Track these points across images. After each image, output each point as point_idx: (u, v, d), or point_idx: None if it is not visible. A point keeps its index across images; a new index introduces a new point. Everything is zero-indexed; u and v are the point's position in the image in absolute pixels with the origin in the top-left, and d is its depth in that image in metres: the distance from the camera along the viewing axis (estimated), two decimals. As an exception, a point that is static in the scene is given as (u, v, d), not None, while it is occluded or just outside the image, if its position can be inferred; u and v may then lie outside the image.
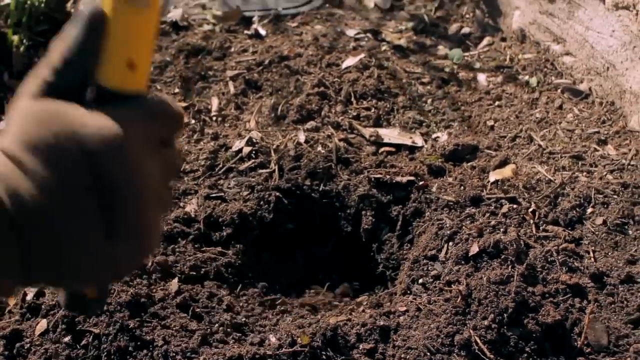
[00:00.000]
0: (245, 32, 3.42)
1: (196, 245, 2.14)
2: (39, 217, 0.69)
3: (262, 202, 2.30)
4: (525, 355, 1.77)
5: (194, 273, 2.03)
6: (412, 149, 2.57)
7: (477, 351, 1.75)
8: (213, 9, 3.63)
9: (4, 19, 3.29)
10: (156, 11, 0.86)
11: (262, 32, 3.42)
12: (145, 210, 0.74)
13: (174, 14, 3.56)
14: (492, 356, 1.74)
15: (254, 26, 3.45)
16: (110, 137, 0.71)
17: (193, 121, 2.71)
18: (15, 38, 3.25)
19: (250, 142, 2.48)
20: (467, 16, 3.57)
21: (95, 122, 0.72)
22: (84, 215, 0.70)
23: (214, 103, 2.83)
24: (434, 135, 2.65)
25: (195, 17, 3.55)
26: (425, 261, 2.06)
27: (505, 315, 1.82)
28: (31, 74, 0.77)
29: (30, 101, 0.75)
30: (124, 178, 0.71)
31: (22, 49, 3.25)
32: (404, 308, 1.93)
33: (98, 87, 0.78)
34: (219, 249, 2.16)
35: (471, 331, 1.79)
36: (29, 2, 3.28)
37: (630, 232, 2.06)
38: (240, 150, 2.46)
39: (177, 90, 2.94)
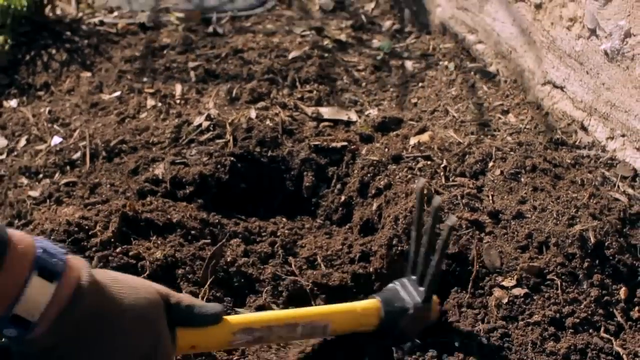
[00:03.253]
0: (205, 31, 3.70)
1: (165, 200, 2.42)
2: None
3: (219, 166, 2.58)
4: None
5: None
6: (348, 123, 2.87)
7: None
8: (176, 12, 3.90)
9: (-11, 21, 3.54)
10: None
11: (220, 30, 3.70)
12: None
13: (141, 17, 3.83)
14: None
15: (213, 26, 3.74)
16: None
17: (160, 104, 2.98)
18: (1, 38, 3.50)
19: (208, 117, 2.76)
20: (399, 14, 3.89)
21: None
22: None
23: (178, 89, 3.11)
24: (366, 112, 2.95)
25: (160, 19, 3.82)
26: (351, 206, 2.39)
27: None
28: None
29: None
30: None
31: (6, 48, 3.51)
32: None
33: None
34: (184, 203, 2.44)
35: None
36: (12, 7, 3.54)
37: (522, 179, 2.36)
38: (200, 125, 2.74)
39: (145, 79, 3.21)
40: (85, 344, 1.35)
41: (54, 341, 1.31)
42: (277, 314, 1.83)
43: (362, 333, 1.91)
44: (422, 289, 1.91)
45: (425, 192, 1.97)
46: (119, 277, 1.46)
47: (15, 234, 1.27)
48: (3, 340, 1.42)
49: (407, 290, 1.93)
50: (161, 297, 1.53)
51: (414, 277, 1.94)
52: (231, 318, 1.71)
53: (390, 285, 1.98)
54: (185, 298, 1.63)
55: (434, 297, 1.97)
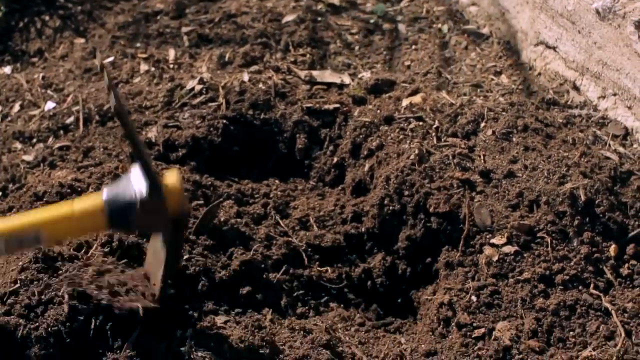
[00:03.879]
0: (198, -4, 3.67)
1: (157, 163, 2.41)
2: None
3: (211, 129, 2.57)
4: (424, 229, 2.11)
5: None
6: (341, 86, 2.85)
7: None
8: (169, -23, 3.86)
9: (-17, -11, 3.52)
10: None
11: (213, -4, 3.67)
12: None
13: (135, -17, 3.80)
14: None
15: (206, -9, 3.71)
16: None
17: (153, 69, 2.96)
18: (-6, 6, 3.48)
19: (201, 81, 2.75)
20: (393, -22, 3.86)
21: None
22: None
23: (171, 54, 3.09)
24: (359, 75, 2.94)
25: (154, -15, 3.79)
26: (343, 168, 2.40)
27: (407, 205, 2.15)
28: None
29: None
30: None
31: (0, 15, 3.48)
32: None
33: None
34: (177, 166, 2.43)
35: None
36: (5, -26, 3.51)
37: (514, 139, 2.35)
38: (193, 89, 2.72)
39: (138, 45, 3.18)
40: None
41: None
42: None
43: None
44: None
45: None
46: None
47: None
48: None
49: (135, 182, 1.63)
50: None
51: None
52: None
53: (122, 177, 1.70)
54: None
55: (173, 187, 1.66)
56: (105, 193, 1.64)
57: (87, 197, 1.67)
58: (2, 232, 1.60)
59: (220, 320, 1.86)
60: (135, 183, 1.62)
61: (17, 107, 2.89)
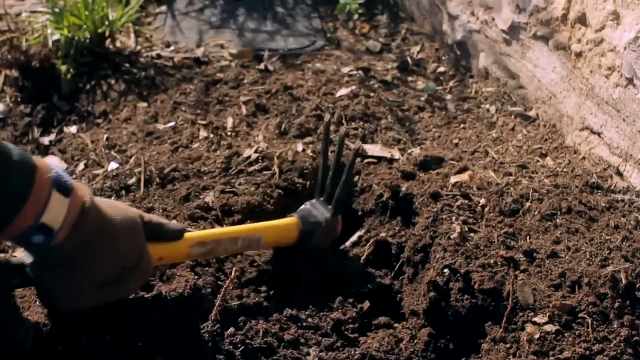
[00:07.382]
0: (256, 67, 3.83)
1: (214, 226, 2.52)
2: None
3: (265, 196, 2.68)
4: (467, 306, 2.16)
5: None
6: (391, 160, 2.95)
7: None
8: (229, 48, 4.04)
9: (54, 51, 3.71)
10: None
11: (271, 67, 3.83)
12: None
13: (197, 52, 3.98)
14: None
15: (264, 63, 3.87)
16: None
17: (212, 135, 3.10)
18: (64, 68, 3.66)
19: (257, 150, 2.87)
20: (443, 58, 3.99)
21: None
22: None
23: (229, 122, 3.23)
24: (409, 151, 3.04)
25: (214, 55, 3.96)
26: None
27: (450, 281, 2.22)
28: None
29: None
30: None
31: (68, 76, 3.67)
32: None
33: None
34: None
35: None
36: (75, 38, 3.70)
37: (557, 220, 2.42)
38: (249, 157, 2.85)
39: (198, 111, 3.33)
40: (91, 250, 1.65)
41: (69, 247, 1.59)
42: (223, 230, 2.22)
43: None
44: (329, 206, 2.35)
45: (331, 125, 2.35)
46: (107, 201, 1.78)
47: (35, 158, 1.54)
48: (17, 257, 1.78)
49: (317, 209, 2.37)
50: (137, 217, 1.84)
51: (321, 199, 2.40)
52: (188, 234, 2.05)
53: (303, 206, 2.41)
54: (154, 217, 1.93)
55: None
56: (297, 213, 2.36)
57: (286, 218, 2.36)
58: (242, 232, 2.18)
59: None
60: (317, 209, 2.37)
61: (81, 166, 3.04)
